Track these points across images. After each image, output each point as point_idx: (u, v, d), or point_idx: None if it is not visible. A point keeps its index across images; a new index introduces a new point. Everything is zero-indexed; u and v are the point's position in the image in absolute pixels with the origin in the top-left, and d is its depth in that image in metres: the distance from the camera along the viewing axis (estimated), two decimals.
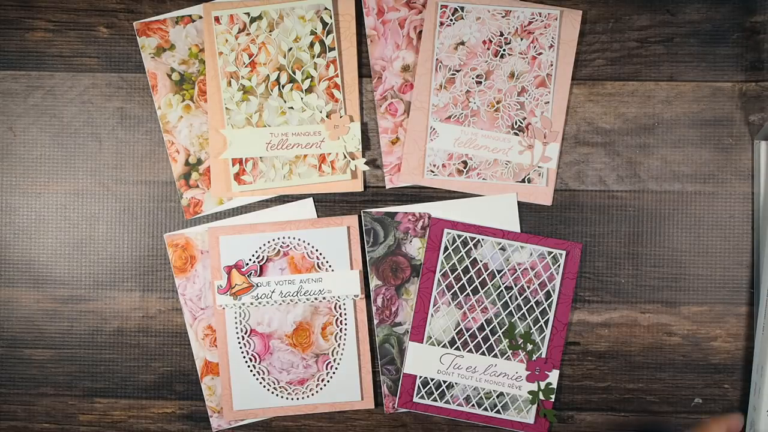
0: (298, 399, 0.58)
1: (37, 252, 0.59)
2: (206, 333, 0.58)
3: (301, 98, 0.57)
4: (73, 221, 0.59)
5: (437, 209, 0.58)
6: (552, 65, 0.57)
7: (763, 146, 0.56)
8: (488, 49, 0.57)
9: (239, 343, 0.58)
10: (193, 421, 0.59)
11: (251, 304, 0.57)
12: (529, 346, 0.57)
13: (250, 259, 0.58)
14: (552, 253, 0.58)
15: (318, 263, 0.58)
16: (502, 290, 0.58)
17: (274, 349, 0.58)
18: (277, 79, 0.57)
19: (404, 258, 0.58)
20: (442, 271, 0.58)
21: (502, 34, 0.57)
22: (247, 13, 0.57)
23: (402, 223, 0.58)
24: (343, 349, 0.58)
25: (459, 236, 0.58)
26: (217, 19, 0.57)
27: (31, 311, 0.59)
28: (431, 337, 0.58)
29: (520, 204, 0.58)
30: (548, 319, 0.58)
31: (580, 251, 0.57)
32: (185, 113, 0.58)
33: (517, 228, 0.58)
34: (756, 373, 0.55)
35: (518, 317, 0.58)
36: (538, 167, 0.57)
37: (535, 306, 0.58)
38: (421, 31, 0.57)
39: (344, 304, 0.58)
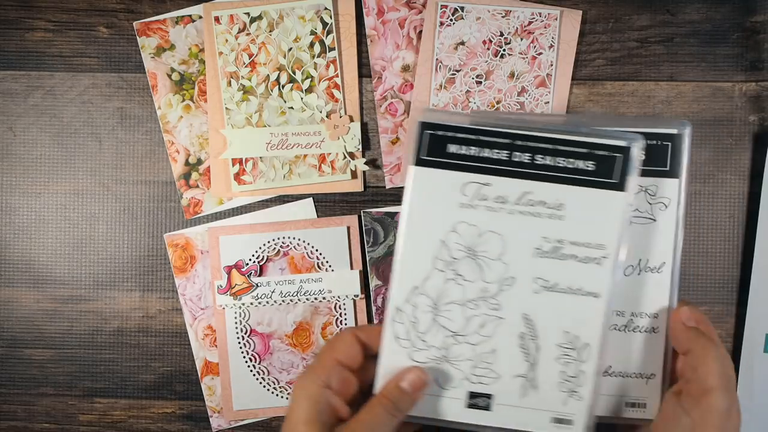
0: None
1: (37, 252, 0.59)
2: (206, 333, 0.58)
3: (301, 98, 0.57)
4: (73, 221, 0.59)
5: None
6: (552, 65, 0.57)
7: None
8: (488, 49, 0.57)
9: (239, 343, 0.58)
10: (193, 421, 0.59)
11: (251, 304, 0.57)
12: None
13: (250, 259, 0.58)
14: None
15: (318, 263, 0.58)
16: None
17: (274, 349, 0.58)
18: (277, 79, 0.57)
19: None
20: None
21: (502, 34, 0.57)
22: (247, 13, 0.57)
23: None
24: None
25: None
26: (217, 19, 0.57)
27: (31, 311, 0.59)
28: None
29: None
30: None
31: None
32: (185, 113, 0.58)
33: None
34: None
35: None
36: None
37: None
38: (421, 31, 0.57)
39: (344, 304, 0.58)
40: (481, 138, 0.47)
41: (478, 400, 0.48)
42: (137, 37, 0.58)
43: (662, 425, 0.46)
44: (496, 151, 0.47)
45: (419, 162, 0.48)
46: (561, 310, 0.47)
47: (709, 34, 0.58)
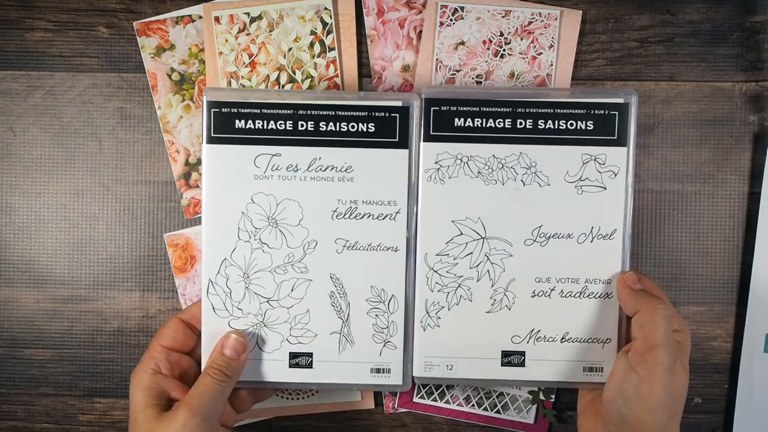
0: (298, 399, 0.58)
1: (37, 252, 0.59)
2: None
3: None
4: (73, 221, 0.59)
5: None
6: (552, 65, 0.57)
7: None
8: (488, 49, 0.57)
9: None
10: None
11: None
12: None
13: None
14: None
15: None
16: None
17: None
18: (277, 79, 0.57)
19: None
20: None
21: (502, 34, 0.57)
22: (247, 13, 0.57)
23: None
24: None
25: None
26: (217, 19, 0.57)
27: (31, 311, 0.59)
28: None
29: None
30: None
31: None
32: (185, 113, 0.58)
33: None
34: None
35: None
36: None
37: None
38: (421, 31, 0.57)
39: None
40: (265, 111, 0.50)
41: (300, 359, 0.51)
42: (137, 37, 0.58)
43: (613, 384, 0.48)
44: (281, 122, 0.50)
45: (210, 140, 0.51)
46: (365, 267, 0.51)
47: (709, 34, 0.58)
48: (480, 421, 0.58)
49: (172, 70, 0.58)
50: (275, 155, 0.50)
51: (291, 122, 0.50)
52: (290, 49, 0.57)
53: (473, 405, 0.58)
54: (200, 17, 0.58)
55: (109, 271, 0.59)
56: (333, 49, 0.57)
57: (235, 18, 0.57)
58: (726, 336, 0.58)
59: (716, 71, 0.58)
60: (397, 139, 0.50)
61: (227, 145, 0.50)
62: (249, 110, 0.50)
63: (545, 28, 0.57)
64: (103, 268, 0.59)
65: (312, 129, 0.50)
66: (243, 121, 0.50)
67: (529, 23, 0.57)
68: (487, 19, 0.57)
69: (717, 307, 0.58)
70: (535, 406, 0.58)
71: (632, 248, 0.52)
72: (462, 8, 0.57)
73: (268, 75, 0.57)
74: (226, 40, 0.57)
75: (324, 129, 0.50)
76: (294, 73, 0.57)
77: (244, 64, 0.57)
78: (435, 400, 0.58)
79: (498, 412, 0.58)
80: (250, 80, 0.57)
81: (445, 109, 0.51)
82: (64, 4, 0.58)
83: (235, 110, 0.50)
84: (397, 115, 0.50)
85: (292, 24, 0.57)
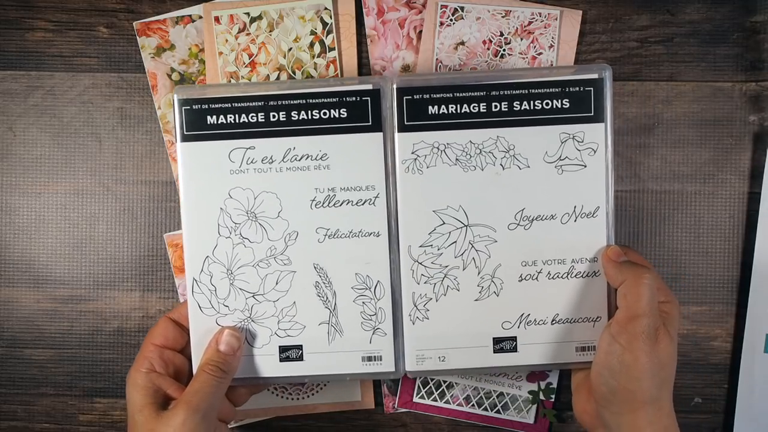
0: (298, 399, 0.58)
1: (37, 252, 0.59)
2: None
3: None
4: (73, 221, 0.59)
5: None
6: (552, 65, 0.57)
7: None
8: (488, 49, 0.57)
9: None
10: None
11: None
12: None
13: None
14: None
15: None
16: None
17: None
18: (277, 79, 0.57)
19: None
20: None
21: (502, 34, 0.57)
22: (247, 13, 0.57)
23: None
24: None
25: None
26: (217, 19, 0.57)
27: (31, 311, 0.59)
28: None
29: None
30: None
31: None
32: None
33: None
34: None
35: None
36: None
37: None
38: (421, 31, 0.57)
39: None
40: (236, 105, 0.50)
41: (290, 353, 0.51)
42: (137, 37, 0.58)
43: (598, 358, 0.47)
44: (252, 114, 0.50)
45: (184, 138, 0.51)
46: (348, 254, 0.51)
47: (709, 34, 0.58)
48: (480, 421, 0.58)
49: (172, 70, 0.58)
50: (249, 148, 0.50)
51: (262, 114, 0.50)
52: (290, 49, 0.57)
53: (473, 405, 0.58)
54: (200, 17, 0.58)
55: (109, 271, 0.59)
56: (333, 49, 0.57)
57: (235, 18, 0.57)
58: (726, 336, 0.58)
59: (716, 71, 0.58)
60: (370, 123, 0.50)
61: (201, 142, 0.50)
62: (220, 105, 0.50)
63: (545, 28, 0.57)
64: (103, 268, 0.59)
65: (284, 119, 0.50)
66: (215, 117, 0.50)
67: (529, 23, 0.57)
68: (487, 19, 0.57)
69: (717, 307, 0.58)
70: (535, 406, 0.58)
71: (616, 225, 0.51)
72: (462, 8, 0.57)
73: (268, 75, 0.57)
74: (226, 40, 0.57)
75: (296, 118, 0.50)
76: (294, 73, 0.57)
77: (244, 64, 0.57)
78: (435, 400, 0.58)
79: (498, 412, 0.58)
80: (250, 80, 0.57)
81: (418, 97, 0.50)
82: (64, 4, 0.58)
83: (206, 106, 0.50)
84: (369, 98, 0.50)
85: (292, 24, 0.57)
